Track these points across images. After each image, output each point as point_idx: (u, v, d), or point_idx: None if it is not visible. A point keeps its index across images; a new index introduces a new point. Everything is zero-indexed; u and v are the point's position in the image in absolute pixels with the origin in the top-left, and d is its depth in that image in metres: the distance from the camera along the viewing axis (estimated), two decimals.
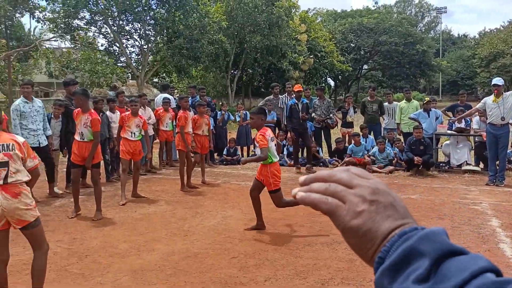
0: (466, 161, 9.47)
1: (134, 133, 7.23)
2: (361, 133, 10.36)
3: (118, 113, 8.53)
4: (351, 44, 45.85)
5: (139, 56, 24.37)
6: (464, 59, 56.57)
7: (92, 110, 6.39)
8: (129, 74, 25.72)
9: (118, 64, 21.96)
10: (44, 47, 17.93)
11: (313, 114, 10.50)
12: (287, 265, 4.36)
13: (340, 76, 44.82)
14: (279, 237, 5.22)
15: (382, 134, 10.85)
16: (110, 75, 17.59)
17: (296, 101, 9.50)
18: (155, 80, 32.48)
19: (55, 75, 19.24)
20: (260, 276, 4.09)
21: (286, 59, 28.66)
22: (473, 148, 9.73)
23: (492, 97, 8.00)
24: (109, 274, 4.17)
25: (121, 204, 6.80)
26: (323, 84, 31.42)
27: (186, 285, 3.90)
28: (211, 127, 10.55)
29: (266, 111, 6.11)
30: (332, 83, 49.60)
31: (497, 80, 8.05)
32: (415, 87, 50.97)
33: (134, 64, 23.57)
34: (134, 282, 3.97)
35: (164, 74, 30.13)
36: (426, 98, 10.70)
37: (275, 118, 11.84)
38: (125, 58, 23.23)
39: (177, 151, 8.32)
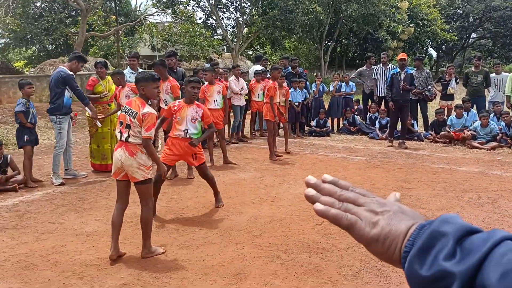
0: None
1: (216, 101, 7.58)
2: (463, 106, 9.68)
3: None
4: (458, 11, 42.09)
5: (234, 29, 24.88)
6: None
7: (171, 78, 6.87)
8: (225, 46, 26.42)
9: (215, 37, 22.66)
10: (148, 22, 19.09)
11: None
12: None
13: (443, 46, 41.65)
14: None
15: (486, 108, 10.04)
16: (207, 47, 18.24)
17: (399, 70, 9.11)
18: (249, 52, 33.00)
19: (157, 48, 20.44)
20: (342, 243, 4.15)
21: (384, 28, 27.27)
22: None
23: None
24: (201, 231, 4.51)
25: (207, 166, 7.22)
26: (424, 55, 29.37)
27: (271, 246, 4.09)
28: (302, 98, 10.61)
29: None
30: (434, 53, 46.35)
31: None
32: None
33: (229, 37, 24.14)
34: (223, 240, 4.25)
35: (258, 46, 30.42)
36: None
37: (354, 90, 11.51)
38: (221, 30, 23.88)
39: (264, 121, 8.49)
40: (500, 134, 8.87)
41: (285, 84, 8.80)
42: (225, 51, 29.15)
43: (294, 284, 3.35)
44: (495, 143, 8.80)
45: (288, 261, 3.76)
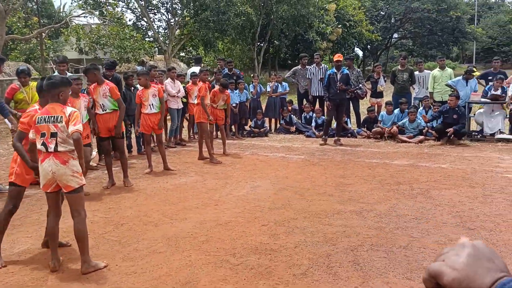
0: (500, 129, 9.21)
1: (152, 105, 7.27)
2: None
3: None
4: (381, 12, 44.39)
5: (166, 30, 24.42)
6: (500, 25, 54.06)
7: (107, 81, 6.61)
8: (157, 48, 25.85)
9: (146, 39, 22.08)
10: (74, 24, 18.19)
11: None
12: (317, 232, 4.43)
13: (369, 46, 43.69)
14: (309, 206, 5.28)
15: (412, 104, 10.63)
16: (138, 50, 17.73)
17: (336, 71, 9.39)
18: (182, 54, 32.53)
19: (85, 51, 19.52)
20: (290, 242, 4.18)
21: (313, 29, 28.08)
22: (508, 116, 9.43)
23: None
24: (144, 241, 4.34)
25: (145, 172, 7.21)
26: (352, 55, 30.70)
27: (219, 251, 4.03)
28: (244, 99, 10.67)
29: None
30: (360, 53, 48.49)
31: None
32: (447, 55, 49.25)
33: (161, 39, 23.65)
34: (169, 249, 4.13)
35: (191, 48, 30.07)
36: (474, 69, 10.37)
37: (287, 89, 11.76)
38: (152, 32, 23.33)
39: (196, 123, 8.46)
40: (426, 128, 9.43)
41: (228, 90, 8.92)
42: (157, 53, 28.52)
43: None
44: (422, 137, 9.35)
45: (238, 265, 3.73)
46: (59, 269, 3.72)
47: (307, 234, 4.39)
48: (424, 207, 5.11)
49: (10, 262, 3.94)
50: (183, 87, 9.77)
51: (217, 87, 8.90)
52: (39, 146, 3.65)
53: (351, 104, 10.88)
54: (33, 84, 6.62)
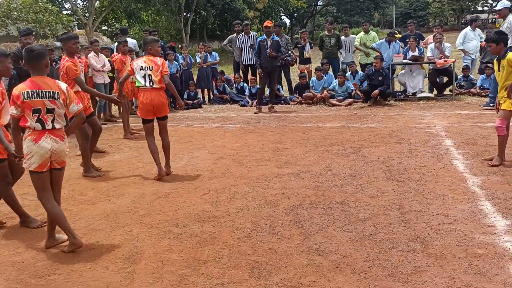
0: (420, 88, 9.80)
1: None
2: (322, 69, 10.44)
3: None
4: None
5: (85, 2, 22.97)
6: None
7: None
8: (76, 22, 24.32)
9: (63, 12, 20.66)
10: None
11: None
12: (257, 196, 4.51)
13: (295, 14, 44.18)
14: (248, 173, 5.34)
15: (340, 68, 10.97)
16: (56, 24, 16.55)
17: (266, 38, 9.35)
18: (104, 27, 30.90)
19: None
20: (232, 208, 4.23)
21: None
22: (427, 75, 10.04)
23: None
24: (82, 220, 4.18)
25: (77, 154, 6.56)
26: (280, 22, 30.83)
27: (161, 223, 3.99)
28: (174, 71, 10.36)
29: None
30: (288, 21, 48.90)
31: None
32: (369, 21, 50.99)
33: (80, 11, 22.24)
34: (108, 225, 4.01)
35: (113, 21, 28.64)
36: (395, 31, 10.82)
37: (217, 59, 11.67)
38: (70, 5, 21.84)
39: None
40: (354, 91, 9.80)
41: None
42: (77, 27, 26.88)
43: (191, 255, 3.32)
44: (351, 100, 9.72)
45: (181, 234, 3.71)
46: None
47: (248, 198, 4.45)
48: (356, 165, 5.37)
49: None
50: (108, 60, 9.32)
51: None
52: (32, 123, 3.37)
53: (282, 72, 10.99)
54: None
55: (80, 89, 5.50)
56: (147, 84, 5.21)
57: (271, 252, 3.30)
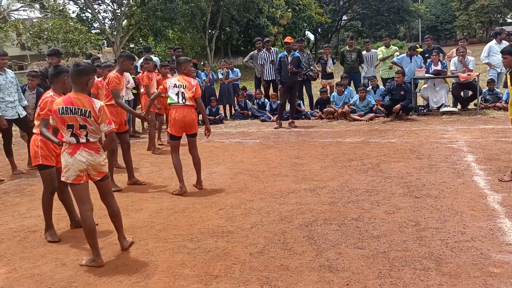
0: (443, 103, 9.64)
1: None
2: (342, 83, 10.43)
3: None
4: None
5: (113, 21, 23.72)
6: (442, 3, 56.22)
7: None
8: (104, 41, 25.09)
9: (92, 31, 21.38)
10: (13, 18, 17.31)
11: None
12: (273, 211, 4.52)
13: (319, 29, 44.34)
14: (264, 188, 5.37)
15: (362, 82, 10.92)
16: (85, 43, 17.14)
17: (286, 54, 9.45)
18: (132, 45, 31.76)
19: (28, 47, 18.63)
20: (246, 223, 4.25)
21: (264, 14, 28.15)
22: (451, 89, 9.88)
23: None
24: (100, 234, 4.26)
25: None
26: (302, 37, 31.10)
27: (176, 238, 4.04)
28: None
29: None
30: (312, 36, 49.06)
31: None
32: (395, 34, 50.69)
33: (108, 30, 22.96)
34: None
35: (140, 39, 29.40)
36: (417, 45, 10.74)
37: (239, 75, 11.81)
38: (98, 24, 22.61)
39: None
40: (375, 106, 9.73)
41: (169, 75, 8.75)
42: (106, 45, 27.71)
43: (203, 270, 3.36)
44: (372, 114, 9.65)
45: (195, 249, 3.76)
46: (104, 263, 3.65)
47: (263, 214, 4.47)
48: (374, 181, 5.32)
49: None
50: (133, 78, 9.57)
51: (169, 75, 8.80)
52: (67, 138, 3.56)
53: (304, 87, 11.03)
54: None
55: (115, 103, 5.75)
56: (180, 101, 5.35)
57: (282, 268, 3.30)
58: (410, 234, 3.71)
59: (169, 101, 5.45)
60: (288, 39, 9.71)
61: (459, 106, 9.84)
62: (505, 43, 10.10)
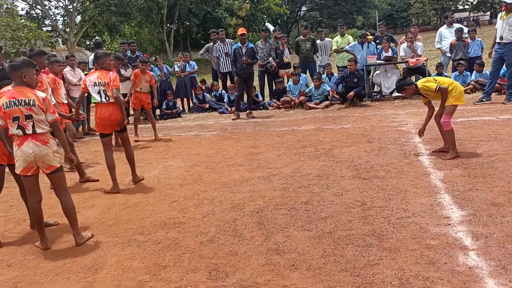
0: (395, 88, 9.91)
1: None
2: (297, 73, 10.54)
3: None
4: None
5: (66, 18, 22.98)
6: None
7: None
8: (58, 38, 24.29)
9: (44, 29, 20.65)
10: None
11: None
12: (225, 200, 4.56)
13: (279, 20, 44.49)
14: (219, 178, 5.39)
15: (317, 71, 11.06)
16: (35, 40, 16.53)
17: (240, 45, 9.44)
18: (88, 42, 30.90)
19: None
20: (198, 213, 4.27)
21: (222, 6, 27.99)
22: (402, 75, 10.17)
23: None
24: (48, 232, 4.18)
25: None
26: (264, 27, 31.10)
27: (127, 231, 4.01)
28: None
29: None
30: (271, 27, 49.13)
31: None
32: (353, 24, 51.52)
33: (60, 27, 22.23)
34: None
35: (95, 35, 28.63)
36: (367, 33, 10.95)
37: (196, 68, 11.75)
38: (50, 21, 21.84)
39: None
40: (330, 93, 9.90)
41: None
42: (60, 43, 26.83)
43: (152, 262, 3.36)
44: (327, 102, 9.82)
45: (145, 242, 3.74)
46: (50, 246, 3.86)
47: (216, 203, 4.50)
48: (326, 165, 5.44)
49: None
50: (85, 74, 9.34)
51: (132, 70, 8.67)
52: (14, 130, 3.60)
53: (266, 77, 11.01)
54: None
55: (65, 102, 5.59)
56: (103, 99, 5.22)
57: (231, 254, 3.34)
58: (356, 214, 3.83)
59: (92, 100, 5.34)
60: (241, 30, 9.71)
61: None
62: (455, 26, 10.47)
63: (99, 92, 5.20)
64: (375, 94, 10.14)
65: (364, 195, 4.29)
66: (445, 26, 10.58)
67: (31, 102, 3.58)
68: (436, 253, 3.01)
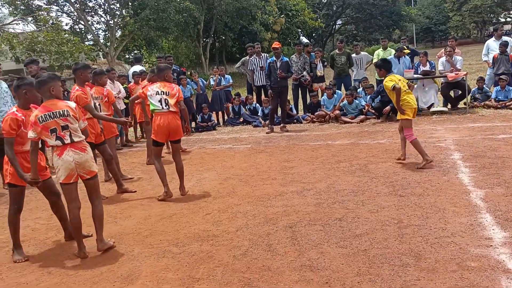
0: (433, 103, 9.71)
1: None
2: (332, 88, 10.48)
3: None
4: (322, 0, 45.33)
5: (107, 32, 23.83)
6: (436, 4, 56.43)
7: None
8: (99, 52, 25.19)
9: (86, 43, 21.47)
10: (6, 32, 17.39)
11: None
12: (258, 214, 4.56)
13: (314, 34, 44.48)
14: (252, 192, 5.40)
15: (352, 85, 10.96)
16: (78, 53, 17.18)
17: (275, 59, 9.53)
18: (127, 56, 31.88)
19: (22, 60, 18.68)
20: (232, 227, 4.29)
21: (257, 21, 28.30)
22: (440, 89, 9.95)
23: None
24: (87, 242, 4.30)
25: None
26: (298, 41, 31.24)
27: (162, 243, 4.08)
28: (188, 95, 10.62)
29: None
30: (305, 41, 49.18)
31: None
32: (389, 37, 50.80)
33: (102, 41, 23.07)
34: None
35: (134, 49, 29.52)
36: (404, 47, 10.84)
37: (230, 81, 11.87)
38: (92, 35, 22.72)
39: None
40: (365, 108, 9.78)
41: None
42: (101, 57, 27.80)
43: (186, 274, 3.39)
44: (362, 116, 9.70)
45: (180, 253, 3.79)
46: (88, 255, 3.97)
47: (249, 217, 4.51)
48: (361, 181, 5.36)
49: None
50: (124, 87, 9.65)
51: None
52: (53, 142, 3.79)
53: (300, 91, 11.03)
54: None
55: (92, 117, 5.74)
56: (164, 107, 5.42)
57: (264, 269, 3.33)
58: (392, 232, 3.75)
59: (151, 107, 5.50)
60: (275, 44, 9.79)
61: (449, 106, 9.90)
62: (504, 39, 10.18)
63: (160, 100, 5.43)
64: None
65: (400, 212, 4.19)
66: (493, 38, 10.33)
67: (66, 113, 3.79)
68: (477, 275, 2.90)
